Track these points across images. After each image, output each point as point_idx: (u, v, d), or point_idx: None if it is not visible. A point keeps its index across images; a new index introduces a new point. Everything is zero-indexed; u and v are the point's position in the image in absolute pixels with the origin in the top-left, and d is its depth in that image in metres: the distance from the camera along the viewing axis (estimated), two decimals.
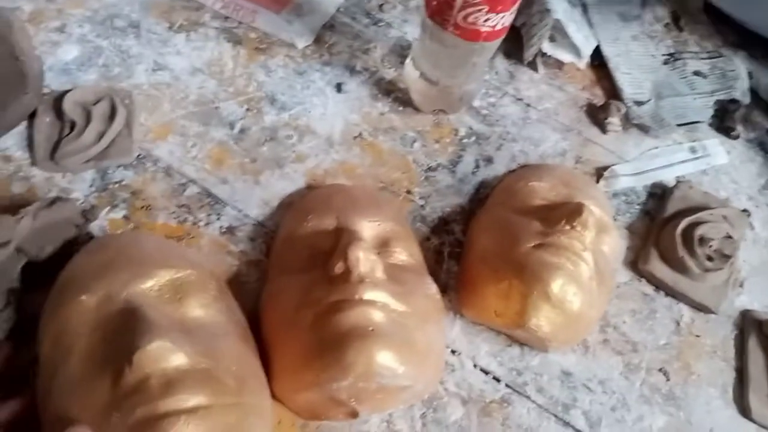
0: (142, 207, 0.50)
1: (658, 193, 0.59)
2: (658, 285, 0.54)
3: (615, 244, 0.52)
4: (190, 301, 0.40)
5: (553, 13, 0.60)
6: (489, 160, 0.58)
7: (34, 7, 0.58)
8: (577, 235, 0.46)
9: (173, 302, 0.40)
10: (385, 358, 0.38)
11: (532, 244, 0.46)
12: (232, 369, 0.38)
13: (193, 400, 0.35)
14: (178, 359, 0.35)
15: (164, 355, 0.35)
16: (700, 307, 0.53)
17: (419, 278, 0.46)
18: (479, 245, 0.50)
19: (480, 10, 0.46)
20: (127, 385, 0.34)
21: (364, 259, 0.42)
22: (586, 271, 0.45)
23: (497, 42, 0.51)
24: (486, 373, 0.48)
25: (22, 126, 0.51)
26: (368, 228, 0.47)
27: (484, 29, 0.48)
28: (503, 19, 0.48)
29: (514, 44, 0.64)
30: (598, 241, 0.49)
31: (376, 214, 0.48)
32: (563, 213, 0.47)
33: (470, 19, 0.47)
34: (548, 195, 0.52)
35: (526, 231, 0.47)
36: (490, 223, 0.51)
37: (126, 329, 0.36)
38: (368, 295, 0.40)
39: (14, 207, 0.46)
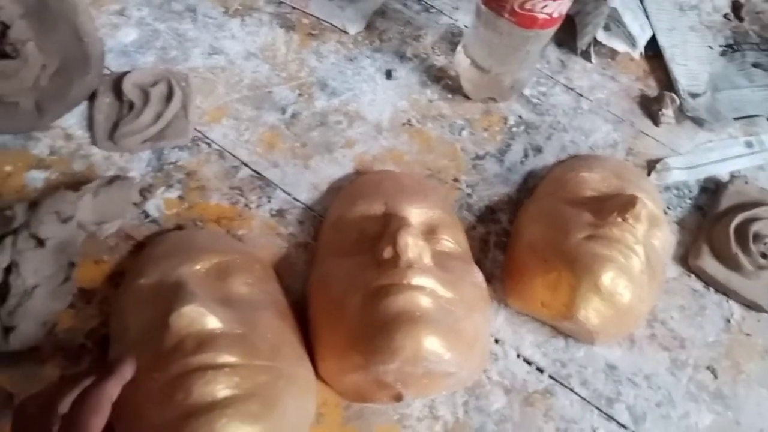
0: (196, 187, 0.51)
1: (711, 188, 0.58)
2: (709, 281, 0.53)
3: (666, 239, 0.51)
4: (233, 280, 0.43)
5: (610, 1, 0.59)
6: (538, 150, 0.58)
7: None
8: (629, 228, 0.46)
9: (218, 280, 0.43)
10: (432, 343, 0.39)
11: (583, 236, 0.46)
12: (267, 336, 0.40)
13: (223, 357, 0.37)
14: (211, 322, 0.38)
15: (198, 318, 0.37)
16: (751, 306, 0.52)
17: (466, 266, 0.46)
18: (527, 235, 0.49)
19: None
20: (166, 346, 0.37)
21: (412, 245, 0.42)
22: (637, 265, 0.45)
23: (553, 30, 0.50)
24: (529, 363, 0.48)
25: (83, 106, 0.53)
26: (416, 214, 0.47)
27: (541, 16, 0.47)
28: (560, 6, 0.47)
29: (566, 33, 0.63)
30: (650, 235, 0.49)
31: (424, 201, 0.48)
32: (615, 205, 0.47)
33: (527, 5, 0.47)
34: (599, 186, 0.51)
35: (577, 222, 0.47)
36: (539, 213, 0.51)
37: (168, 301, 0.39)
38: (416, 280, 0.41)
39: (75, 184, 0.48)
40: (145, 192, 0.48)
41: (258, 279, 0.44)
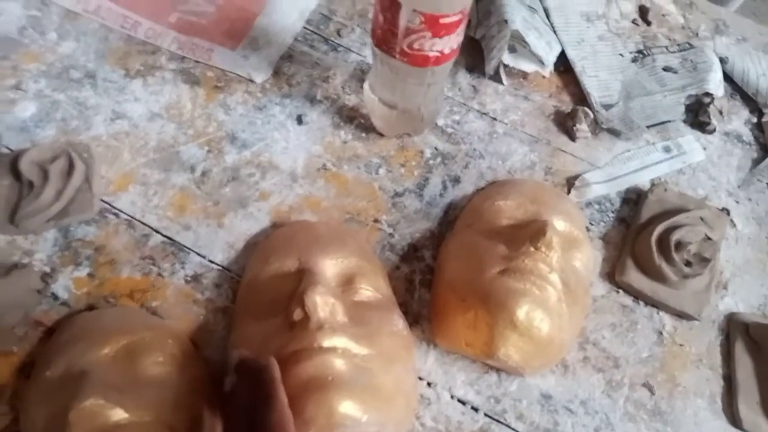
0: (106, 262, 0.50)
1: (633, 199, 0.58)
2: (637, 295, 0.53)
3: (588, 258, 0.51)
4: (143, 361, 0.41)
5: (511, 24, 0.59)
6: (456, 180, 0.57)
7: None
8: (542, 257, 0.45)
9: (126, 363, 0.41)
10: (346, 407, 0.38)
11: (497, 270, 0.45)
12: (180, 417, 0.39)
13: None
14: (116, 414, 0.37)
15: (99, 412, 0.36)
16: (681, 315, 0.52)
17: (385, 315, 0.45)
18: (447, 273, 0.49)
19: (424, 37, 0.45)
20: None
21: (321, 304, 0.41)
22: (553, 295, 0.44)
23: (449, 64, 0.50)
24: (463, 403, 0.47)
25: None
26: (331, 266, 0.46)
27: (431, 54, 0.47)
28: (450, 42, 0.47)
29: (475, 58, 0.63)
30: (569, 258, 0.49)
31: (339, 250, 0.48)
32: (526, 234, 0.46)
33: (416, 45, 0.46)
34: (515, 213, 0.51)
35: (491, 256, 0.47)
36: (457, 248, 0.50)
37: (69, 395, 0.37)
38: (327, 342, 0.40)
39: None
40: (47, 277, 0.46)
41: (171, 356, 0.43)
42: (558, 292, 0.44)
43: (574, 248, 0.49)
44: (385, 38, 0.47)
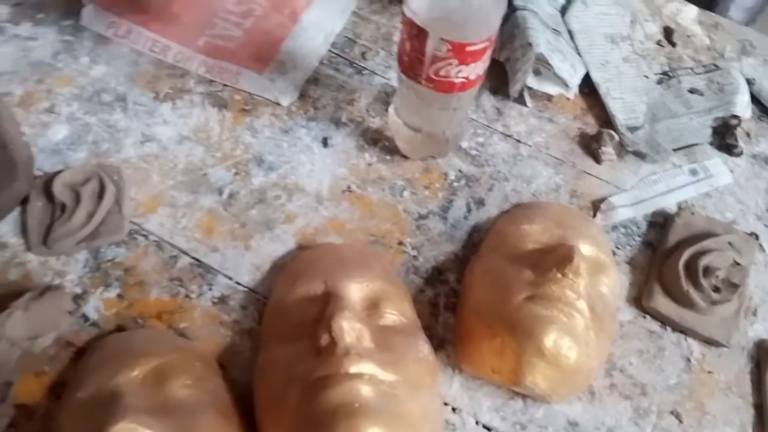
0: (135, 283, 0.51)
1: (660, 222, 0.58)
2: (664, 321, 0.52)
3: (614, 283, 0.50)
4: (172, 384, 0.42)
5: (535, 47, 0.59)
6: (481, 203, 0.57)
7: (24, 90, 0.59)
8: (569, 283, 0.45)
9: (155, 386, 0.41)
10: None
11: (524, 296, 0.45)
12: None
13: None
14: None
15: None
16: (710, 342, 0.52)
17: (411, 340, 0.45)
18: (473, 297, 0.49)
19: (450, 64, 0.46)
20: None
21: (348, 329, 0.41)
22: (580, 322, 0.44)
23: (474, 89, 0.50)
24: (489, 429, 0.47)
25: (16, 212, 0.53)
26: (356, 290, 0.47)
27: (457, 80, 0.47)
28: (476, 69, 0.47)
29: (500, 80, 0.64)
30: (595, 283, 0.48)
31: (364, 274, 0.48)
32: (553, 260, 0.46)
33: (442, 72, 0.47)
34: (541, 238, 0.51)
35: (518, 281, 0.46)
36: (482, 272, 0.50)
37: (101, 417, 0.38)
38: (354, 368, 0.40)
39: (11, 296, 0.47)
40: (79, 299, 0.47)
41: (199, 379, 0.43)
42: (585, 319, 0.44)
43: (600, 273, 0.49)
44: (412, 65, 0.48)
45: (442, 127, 0.54)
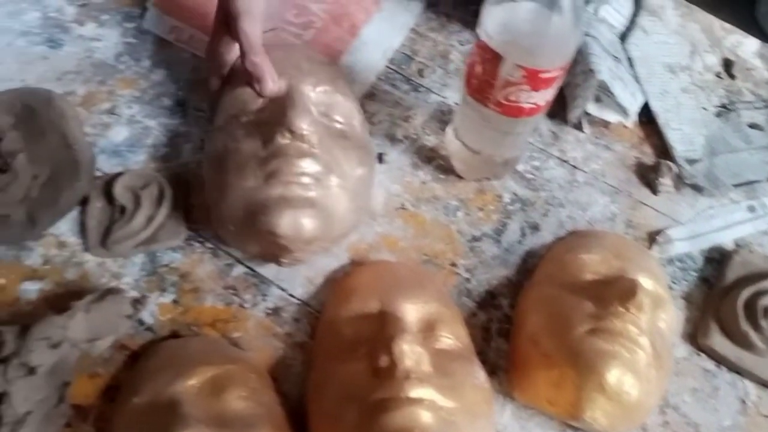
0: (191, 290, 0.51)
1: (717, 258, 0.57)
2: (720, 360, 0.51)
3: (672, 319, 0.50)
4: (228, 395, 0.42)
5: (598, 74, 0.59)
6: (535, 228, 0.57)
7: (86, 90, 0.60)
8: (632, 318, 0.44)
9: (212, 396, 0.41)
10: None
11: (585, 329, 0.44)
12: None
13: None
14: None
15: None
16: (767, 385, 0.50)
17: (467, 366, 0.45)
18: (528, 326, 0.48)
19: (522, 90, 0.45)
20: None
21: (409, 353, 0.41)
22: (643, 358, 0.43)
23: (542, 114, 0.50)
24: None
25: (76, 211, 0.53)
26: (412, 311, 0.46)
27: (526, 106, 0.47)
28: (546, 95, 0.47)
29: (557, 104, 0.63)
30: (655, 318, 0.48)
31: (420, 294, 0.48)
32: (616, 293, 0.46)
33: (512, 97, 0.46)
34: (599, 268, 0.50)
35: (578, 313, 0.46)
36: (539, 300, 0.50)
37: (162, 425, 0.38)
38: (414, 392, 0.39)
39: (68, 295, 0.48)
40: (138, 304, 0.48)
41: (254, 391, 0.43)
42: (648, 355, 0.43)
43: (659, 308, 0.48)
44: (481, 88, 0.47)
45: (502, 150, 0.54)
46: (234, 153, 0.48)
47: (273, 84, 0.50)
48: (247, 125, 0.49)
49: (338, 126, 0.51)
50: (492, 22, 0.44)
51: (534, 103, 0.47)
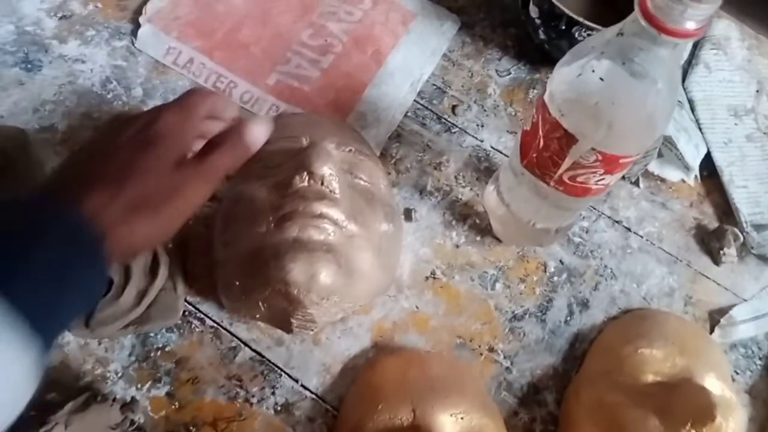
0: (188, 380, 0.44)
1: None
2: None
3: (740, 426, 0.43)
4: None
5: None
6: (584, 305, 0.50)
7: (67, 125, 0.51)
8: None
9: None
10: None
11: None
12: None
13: None
14: None
15: None
16: None
17: None
18: None
19: (594, 172, 0.38)
20: None
21: None
22: None
23: (607, 190, 0.42)
24: None
25: None
26: (450, 423, 0.40)
27: (595, 187, 0.39)
28: (618, 176, 0.39)
29: None
30: (726, 428, 0.41)
31: (459, 403, 0.41)
32: (688, 412, 0.39)
33: (580, 179, 0.39)
34: (662, 368, 0.44)
35: (643, 430, 0.39)
36: (593, 407, 0.43)
37: None
38: None
39: (46, 387, 0.40)
40: (128, 410, 0.40)
41: None
42: None
43: (728, 415, 0.42)
44: (541, 164, 0.40)
45: (556, 223, 0.47)
46: (247, 202, 0.42)
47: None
48: (263, 172, 0.44)
49: (363, 183, 0.45)
50: (564, 92, 0.36)
51: (605, 184, 0.39)
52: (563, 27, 0.51)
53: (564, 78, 0.36)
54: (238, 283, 0.42)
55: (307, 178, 0.40)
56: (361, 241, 0.42)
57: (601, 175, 0.38)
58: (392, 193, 0.49)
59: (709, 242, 0.53)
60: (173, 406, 0.43)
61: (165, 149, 0.32)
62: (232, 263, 0.42)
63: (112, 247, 0.29)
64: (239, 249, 0.42)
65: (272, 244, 0.40)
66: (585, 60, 0.34)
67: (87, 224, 0.28)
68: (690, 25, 0.30)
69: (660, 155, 0.53)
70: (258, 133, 0.34)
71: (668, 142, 0.52)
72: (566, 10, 0.50)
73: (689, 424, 0.39)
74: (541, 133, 0.38)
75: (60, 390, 0.41)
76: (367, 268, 0.42)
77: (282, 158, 0.44)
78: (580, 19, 0.50)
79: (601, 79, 0.34)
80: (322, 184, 0.41)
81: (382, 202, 0.45)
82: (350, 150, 0.45)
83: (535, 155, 0.40)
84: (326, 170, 0.40)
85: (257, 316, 0.43)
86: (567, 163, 0.38)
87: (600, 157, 0.36)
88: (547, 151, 0.38)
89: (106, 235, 0.29)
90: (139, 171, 0.31)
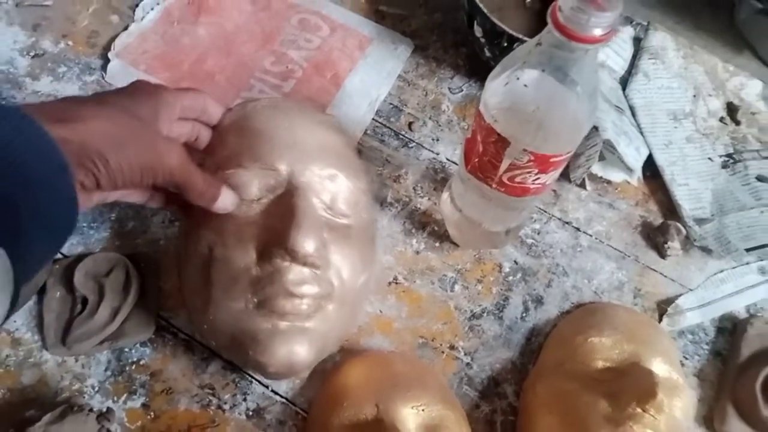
0: (162, 391, 0.46)
1: (729, 328, 0.53)
2: None
3: (688, 406, 0.46)
4: None
5: (602, 132, 0.54)
6: (539, 301, 0.53)
7: None
8: (651, 421, 0.41)
9: None
10: None
11: None
12: None
13: None
14: None
15: None
16: None
17: None
18: (540, 426, 0.44)
19: (529, 172, 0.41)
20: None
21: None
22: None
23: (548, 190, 0.45)
24: None
25: (32, 301, 0.47)
26: (412, 416, 0.42)
27: (533, 186, 0.43)
28: (554, 175, 0.43)
29: None
30: (671, 408, 0.44)
31: (421, 396, 0.43)
32: (632, 391, 0.42)
33: (518, 179, 0.42)
34: (611, 354, 0.46)
35: (593, 416, 0.42)
36: (549, 395, 0.45)
37: None
38: None
39: (23, 404, 0.42)
40: (104, 420, 0.42)
41: None
42: None
43: (675, 396, 0.45)
44: (482, 168, 0.43)
45: (506, 225, 0.50)
46: (222, 263, 0.41)
47: (231, 196, 0.41)
48: (241, 227, 0.42)
49: (343, 221, 0.44)
50: (495, 100, 0.39)
51: (541, 183, 0.43)
52: (505, 44, 0.55)
53: (494, 88, 0.39)
54: (214, 344, 0.46)
55: (288, 258, 0.40)
56: (338, 312, 0.43)
57: (536, 174, 0.41)
58: (370, 206, 0.48)
59: (655, 237, 0.57)
60: (149, 417, 0.45)
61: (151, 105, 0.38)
62: (209, 329, 0.43)
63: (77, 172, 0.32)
64: (216, 319, 0.42)
65: (250, 330, 0.41)
66: (510, 70, 0.38)
67: (55, 146, 0.30)
68: (597, 32, 0.34)
69: (602, 158, 0.57)
70: (225, 205, 0.41)
71: (609, 145, 0.55)
72: (506, 28, 0.54)
73: (634, 404, 0.41)
74: (479, 138, 0.42)
75: (38, 407, 0.43)
76: (340, 329, 0.45)
77: (258, 190, 0.42)
78: (520, 36, 0.54)
79: (526, 85, 0.37)
80: (305, 263, 0.40)
81: (361, 238, 0.46)
82: (330, 174, 0.44)
83: (476, 160, 0.43)
84: (309, 248, 0.40)
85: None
86: (504, 164, 0.41)
87: (533, 158, 0.40)
88: (486, 155, 0.42)
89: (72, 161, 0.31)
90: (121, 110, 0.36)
